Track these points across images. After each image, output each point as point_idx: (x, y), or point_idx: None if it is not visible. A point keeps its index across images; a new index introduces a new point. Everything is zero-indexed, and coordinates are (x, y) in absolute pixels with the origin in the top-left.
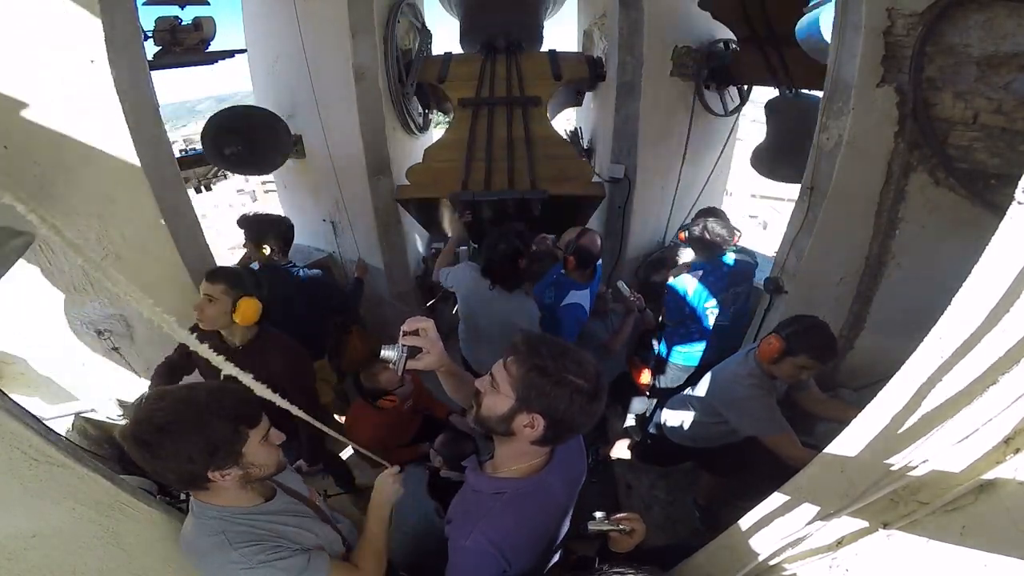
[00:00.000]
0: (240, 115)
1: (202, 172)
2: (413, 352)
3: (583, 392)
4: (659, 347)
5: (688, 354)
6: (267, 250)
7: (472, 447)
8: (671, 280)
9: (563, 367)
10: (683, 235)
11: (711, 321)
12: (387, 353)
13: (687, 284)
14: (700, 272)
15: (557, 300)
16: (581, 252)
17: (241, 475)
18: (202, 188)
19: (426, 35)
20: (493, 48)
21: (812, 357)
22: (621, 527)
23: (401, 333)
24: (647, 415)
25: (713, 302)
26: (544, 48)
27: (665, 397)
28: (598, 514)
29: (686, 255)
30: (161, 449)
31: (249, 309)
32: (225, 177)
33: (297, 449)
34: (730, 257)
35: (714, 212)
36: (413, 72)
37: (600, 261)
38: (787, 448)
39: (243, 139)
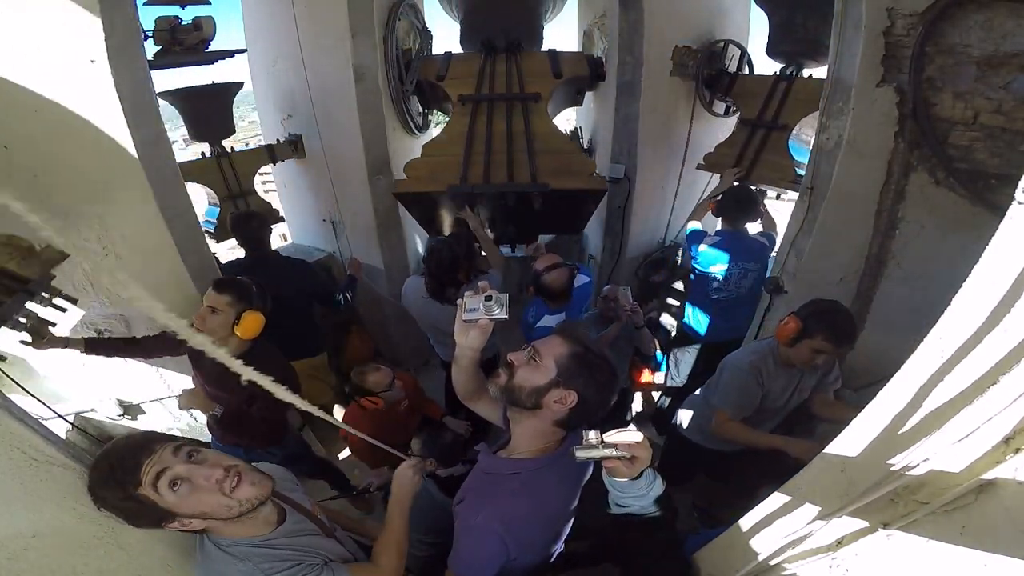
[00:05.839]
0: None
1: None
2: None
3: (609, 382)
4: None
5: (697, 320)
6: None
7: (451, 436)
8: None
9: (600, 355)
10: (712, 205)
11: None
12: (494, 308)
13: (705, 246)
14: (718, 239)
15: (534, 320)
16: (541, 287)
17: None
18: None
19: (426, 35)
20: (493, 47)
21: (827, 339)
22: (618, 452)
23: (468, 294)
24: (661, 408)
25: (720, 267)
26: (544, 48)
27: (677, 393)
28: (590, 433)
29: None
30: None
31: (253, 323)
32: None
33: (284, 460)
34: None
35: (745, 187)
36: (413, 71)
37: (588, 279)
38: (723, 421)
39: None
